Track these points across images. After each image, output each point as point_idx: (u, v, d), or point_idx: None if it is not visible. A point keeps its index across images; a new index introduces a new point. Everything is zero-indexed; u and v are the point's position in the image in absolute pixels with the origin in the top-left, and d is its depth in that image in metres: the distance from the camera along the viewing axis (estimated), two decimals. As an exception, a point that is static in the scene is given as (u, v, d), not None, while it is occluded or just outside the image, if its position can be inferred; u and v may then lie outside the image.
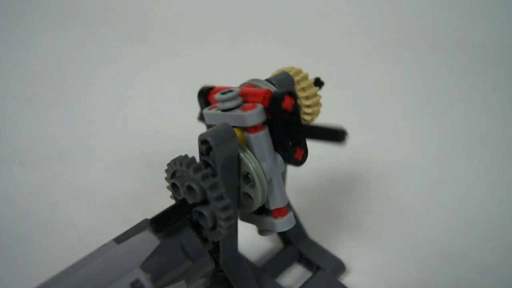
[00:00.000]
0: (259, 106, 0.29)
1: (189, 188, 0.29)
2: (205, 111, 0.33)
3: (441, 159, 0.55)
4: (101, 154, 0.53)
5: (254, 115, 0.29)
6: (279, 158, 0.31)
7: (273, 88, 0.32)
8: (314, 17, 0.83)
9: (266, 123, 0.30)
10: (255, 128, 0.30)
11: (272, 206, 0.32)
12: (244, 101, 0.31)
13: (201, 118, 0.37)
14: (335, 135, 0.25)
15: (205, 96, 0.34)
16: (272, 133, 0.30)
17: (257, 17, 0.83)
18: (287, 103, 0.29)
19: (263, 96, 0.30)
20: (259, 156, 0.30)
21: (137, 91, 0.64)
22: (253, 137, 0.30)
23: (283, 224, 0.32)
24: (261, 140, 0.30)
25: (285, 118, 0.29)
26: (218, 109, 0.31)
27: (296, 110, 0.29)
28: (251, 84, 0.33)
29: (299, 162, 0.30)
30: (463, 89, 0.68)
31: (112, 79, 0.66)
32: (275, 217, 0.32)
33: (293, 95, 0.29)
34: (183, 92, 0.64)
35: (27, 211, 0.46)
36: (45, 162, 0.51)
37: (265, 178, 0.30)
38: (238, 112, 0.30)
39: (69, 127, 0.57)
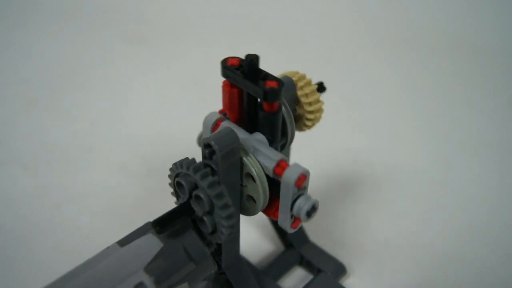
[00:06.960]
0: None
1: (179, 184, 0.30)
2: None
3: (442, 162, 0.55)
4: (103, 156, 0.53)
5: (208, 116, 0.32)
6: (258, 134, 0.31)
7: None
8: (314, 19, 0.84)
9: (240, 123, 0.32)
10: (217, 126, 0.32)
11: (270, 164, 0.30)
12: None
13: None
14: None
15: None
16: (245, 106, 0.32)
17: (257, 18, 0.83)
18: (231, 61, 0.31)
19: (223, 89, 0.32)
20: None
21: (139, 94, 0.64)
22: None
23: (292, 170, 0.29)
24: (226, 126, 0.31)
25: (239, 70, 0.30)
26: None
27: (242, 61, 0.31)
28: None
29: (276, 89, 0.29)
30: (464, 91, 0.68)
31: (113, 81, 0.66)
32: (281, 176, 0.29)
33: (235, 57, 0.31)
34: (185, 94, 0.65)
35: (29, 214, 0.46)
36: (46, 165, 0.52)
37: (248, 151, 0.30)
38: None
39: (70, 129, 0.57)
